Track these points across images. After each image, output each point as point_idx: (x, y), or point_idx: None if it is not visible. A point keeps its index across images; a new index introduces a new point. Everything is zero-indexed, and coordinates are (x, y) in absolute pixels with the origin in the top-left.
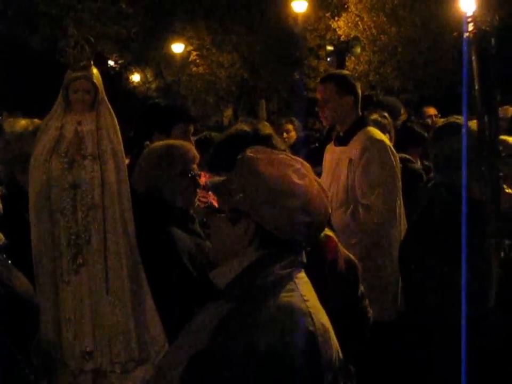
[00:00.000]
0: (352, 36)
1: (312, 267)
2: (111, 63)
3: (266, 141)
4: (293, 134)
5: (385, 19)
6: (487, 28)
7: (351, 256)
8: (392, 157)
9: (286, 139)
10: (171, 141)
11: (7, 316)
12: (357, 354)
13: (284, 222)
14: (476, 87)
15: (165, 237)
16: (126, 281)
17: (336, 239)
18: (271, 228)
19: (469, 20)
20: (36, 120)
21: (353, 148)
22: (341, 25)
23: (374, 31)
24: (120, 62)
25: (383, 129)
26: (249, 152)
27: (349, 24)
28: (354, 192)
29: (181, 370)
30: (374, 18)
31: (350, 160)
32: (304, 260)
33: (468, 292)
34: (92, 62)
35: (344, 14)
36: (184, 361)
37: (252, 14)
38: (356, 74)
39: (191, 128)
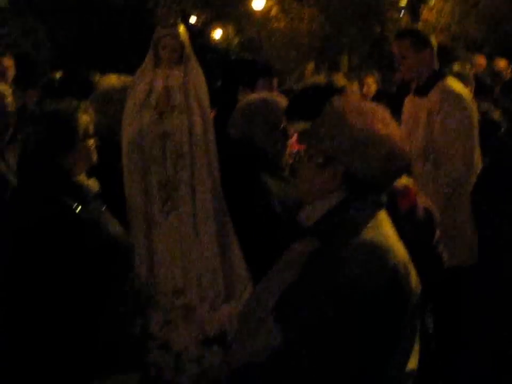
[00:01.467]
0: None
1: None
2: (192, 20)
3: (340, 92)
4: (374, 87)
5: None
6: None
7: (430, 204)
8: (470, 108)
9: (367, 92)
10: (265, 94)
11: (106, 258)
12: (430, 298)
13: (370, 168)
14: None
15: (256, 181)
16: (213, 224)
17: (414, 188)
18: (358, 173)
19: None
20: (127, 77)
21: (432, 99)
22: None
23: None
24: (201, 19)
25: (465, 80)
26: (336, 101)
27: None
28: (432, 142)
29: (273, 303)
30: None
31: (429, 111)
32: (385, 200)
33: None
34: (179, 20)
35: None
36: (276, 295)
37: None
38: (439, 26)
39: (275, 82)
